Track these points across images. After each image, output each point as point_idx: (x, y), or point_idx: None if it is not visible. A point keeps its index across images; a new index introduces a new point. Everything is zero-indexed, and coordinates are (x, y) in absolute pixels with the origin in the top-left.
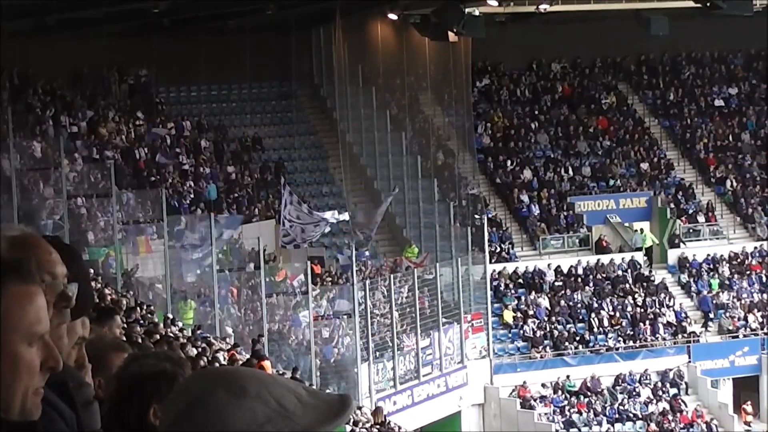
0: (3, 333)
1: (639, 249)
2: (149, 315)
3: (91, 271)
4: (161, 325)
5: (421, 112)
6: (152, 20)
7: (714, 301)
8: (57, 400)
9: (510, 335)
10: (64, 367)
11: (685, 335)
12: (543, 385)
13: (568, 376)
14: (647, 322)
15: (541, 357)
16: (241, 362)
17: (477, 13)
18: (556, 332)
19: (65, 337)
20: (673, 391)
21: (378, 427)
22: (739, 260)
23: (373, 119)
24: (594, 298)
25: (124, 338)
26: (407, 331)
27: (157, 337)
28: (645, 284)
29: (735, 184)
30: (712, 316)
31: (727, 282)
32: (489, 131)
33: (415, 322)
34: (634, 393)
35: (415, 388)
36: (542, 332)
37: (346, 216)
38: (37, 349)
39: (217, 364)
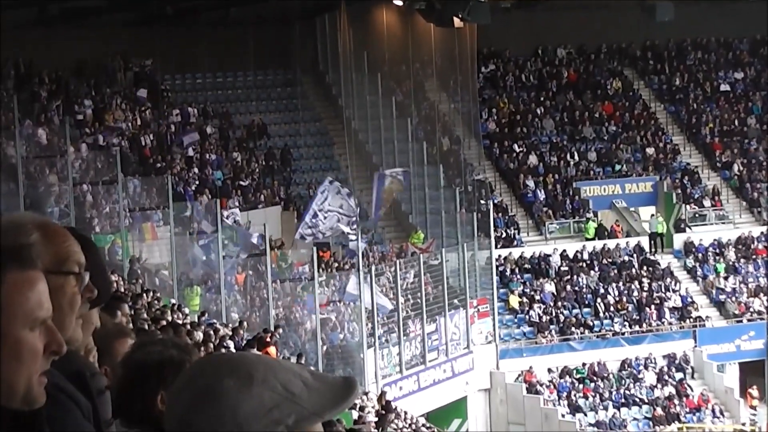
0: (4, 319)
1: (655, 234)
2: (155, 302)
3: None
4: (168, 311)
5: (426, 98)
6: (155, 8)
7: (719, 285)
8: (74, 390)
9: (516, 320)
10: (79, 357)
11: (691, 320)
12: (549, 370)
13: (583, 364)
14: (653, 307)
15: (547, 342)
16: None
17: None
18: (562, 317)
19: (90, 326)
20: (678, 375)
21: (383, 412)
22: (745, 244)
23: (379, 106)
24: (600, 283)
25: (131, 326)
26: (413, 316)
27: (164, 323)
28: (651, 269)
29: (741, 168)
30: (722, 299)
31: (732, 266)
32: (494, 117)
33: (421, 308)
34: (639, 377)
35: (421, 374)
36: (548, 317)
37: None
38: (40, 333)
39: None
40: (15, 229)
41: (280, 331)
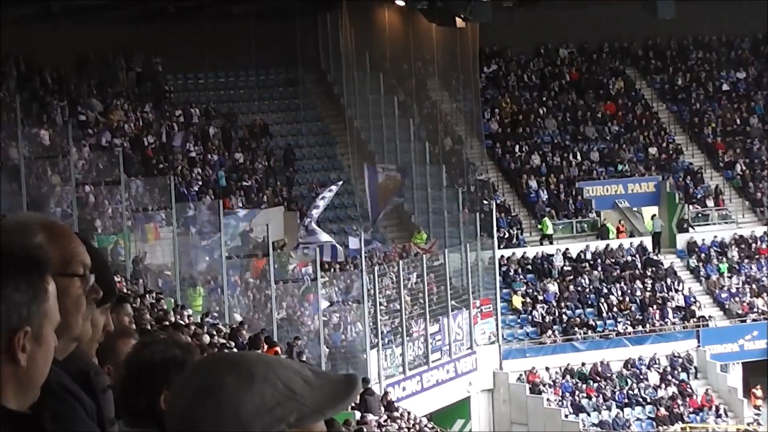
0: (48, 325)
1: (658, 234)
2: (158, 302)
3: None
4: (170, 312)
5: (428, 97)
6: (157, 6)
7: (722, 285)
8: (78, 389)
9: (519, 320)
10: (83, 356)
11: (694, 319)
12: (552, 370)
13: (583, 363)
14: (656, 307)
15: (551, 342)
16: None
17: None
18: (565, 317)
19: (100, 326)
20: (682, 375)
21: (387, 412)
22: (747, 244)
23: (381, 105)
24: (603, 283)
25: (134, 326)
26: (416, 317)
27: (167, 324)
28: (654, 269)
29: (743, 168)
30: (725, 299)
31: (735, 266)
32: (497, 117)
33: (424, 308)
34: (643, 377)
35: (424, 374)
36: (551, 317)
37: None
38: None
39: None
40: (20, 231)
41: (299, 342)
